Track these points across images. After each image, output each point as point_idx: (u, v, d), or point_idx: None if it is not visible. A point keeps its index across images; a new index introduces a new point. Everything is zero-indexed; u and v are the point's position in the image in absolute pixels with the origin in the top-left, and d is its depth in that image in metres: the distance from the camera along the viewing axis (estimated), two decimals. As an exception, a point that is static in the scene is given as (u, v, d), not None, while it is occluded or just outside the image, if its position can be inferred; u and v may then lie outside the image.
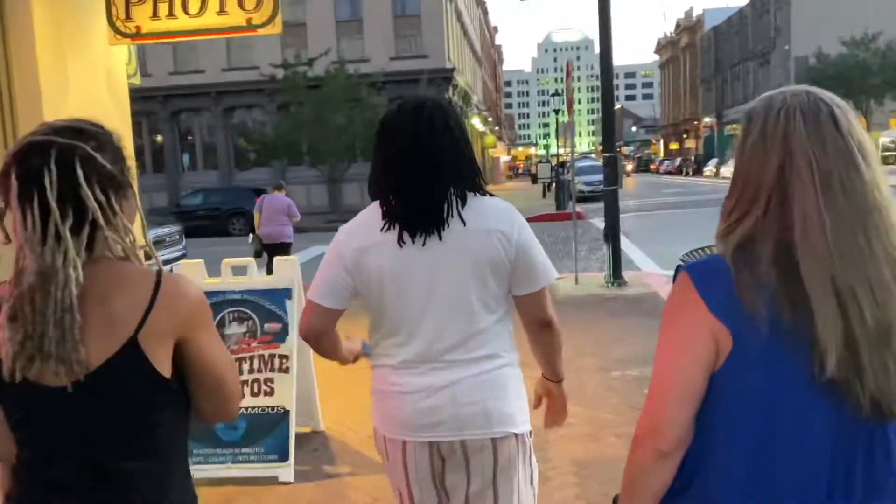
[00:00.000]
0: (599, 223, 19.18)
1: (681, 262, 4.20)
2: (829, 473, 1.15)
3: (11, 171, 1.23)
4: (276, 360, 4.10)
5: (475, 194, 1.86)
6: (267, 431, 3.99)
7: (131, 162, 1.36)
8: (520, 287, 1.88)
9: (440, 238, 1.81)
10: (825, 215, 1.12)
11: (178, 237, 12.13)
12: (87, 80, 3.96)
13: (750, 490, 1.17)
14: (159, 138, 29.92)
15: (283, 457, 3.95)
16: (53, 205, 1.21)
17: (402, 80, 25.78)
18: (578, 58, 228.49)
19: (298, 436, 4.22)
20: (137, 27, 4.04)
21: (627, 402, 4.84)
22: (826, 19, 47.24)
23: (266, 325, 4.14)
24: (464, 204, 1.82)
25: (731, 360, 1.15)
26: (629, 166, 58.41)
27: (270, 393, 4.07)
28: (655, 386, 1.23)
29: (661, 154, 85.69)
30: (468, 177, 1.86)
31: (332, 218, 24.11)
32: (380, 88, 23.55)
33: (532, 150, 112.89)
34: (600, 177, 29.59)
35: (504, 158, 68.39)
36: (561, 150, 37.97)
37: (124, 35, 4.05)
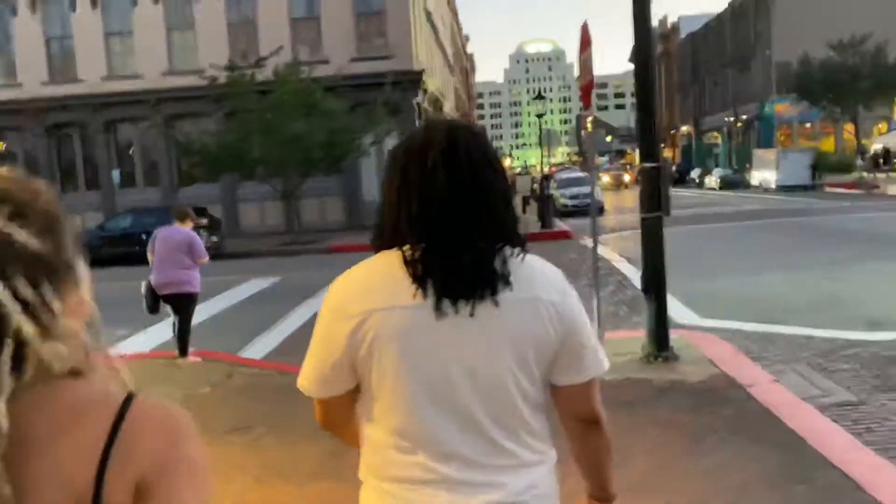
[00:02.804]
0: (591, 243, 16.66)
1: None
2: None
3: None
4: None
5: (517, 252, 1.39)
6: None
7: (68, 230, 0.90)
8: (564, 375, 1.44)
9: (496, 304, 1.35)
10: None
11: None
12: None
13: None
14: (93, 152, 26.62)
15: None
16: None
17: (363, 85, 22.89)
18: (550, 68, 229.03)
19: None
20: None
21: None
22: (809, 23, 45.62)
23: None
24: (507, 264, 1.37)
25: None
26: (627, 177, 54.00)
27: None
28: None
29: (638, 164, 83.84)
30: (512, 229, 1.40)
31: (288, 240, 21.19)
32: (339, 93, 20.67)
33: (507, 163, 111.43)
34: (586, 189, 27.97)
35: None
36: (539, 161, 35.73)
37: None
